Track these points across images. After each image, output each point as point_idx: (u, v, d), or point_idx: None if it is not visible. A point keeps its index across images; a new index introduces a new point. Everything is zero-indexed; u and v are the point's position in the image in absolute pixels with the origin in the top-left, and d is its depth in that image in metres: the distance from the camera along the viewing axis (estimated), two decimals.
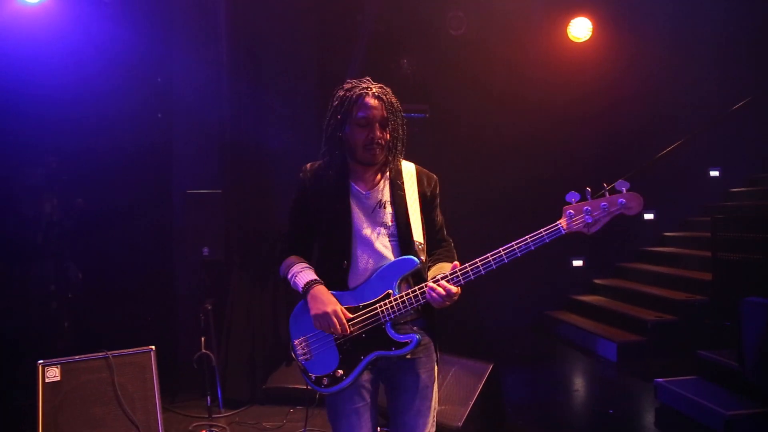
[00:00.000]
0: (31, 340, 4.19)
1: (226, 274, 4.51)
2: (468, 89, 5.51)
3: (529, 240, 1.95)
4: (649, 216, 6.82)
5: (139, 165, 4.67)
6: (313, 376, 2.08)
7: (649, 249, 6.72)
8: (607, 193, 1.95)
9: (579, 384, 5.06)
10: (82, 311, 4.31)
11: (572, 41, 5.61)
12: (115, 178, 4.62)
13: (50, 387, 3.20)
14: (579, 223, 1.95)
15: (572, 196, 1.95)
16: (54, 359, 3.25)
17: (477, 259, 1.99)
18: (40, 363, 3.21)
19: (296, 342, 2.13)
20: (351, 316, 2.04)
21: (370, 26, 4.96)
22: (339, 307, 2.03)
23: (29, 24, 4.30)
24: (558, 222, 1.96)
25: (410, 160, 2.23)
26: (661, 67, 6.47)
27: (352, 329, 2.03)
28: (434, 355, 2.15)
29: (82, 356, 3.33)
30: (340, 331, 2.02)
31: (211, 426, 4.01)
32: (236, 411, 4.27)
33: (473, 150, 5.82)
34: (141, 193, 4.70)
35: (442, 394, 3.62)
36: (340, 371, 2.05)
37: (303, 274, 2.10)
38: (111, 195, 4.62)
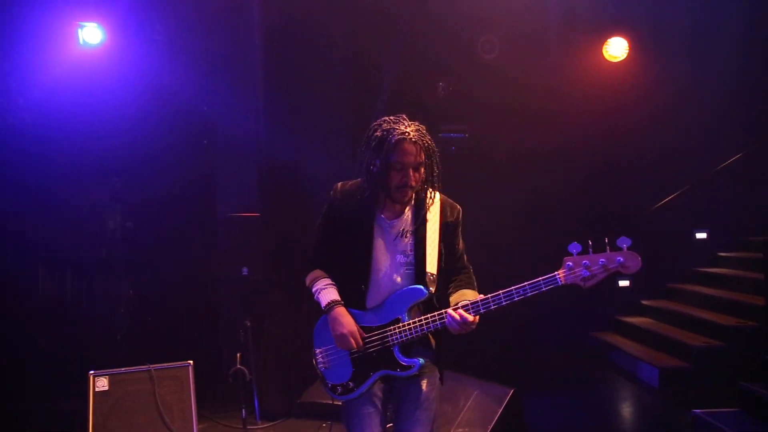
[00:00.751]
0: (86, 349, 4.60)
1: (264, 292, 4.75)
2: (504, 110, 5.54)
3: (527, 286, 2.07)
4: (701, 235, 6.53)
5: (187, 188, 5.06)
6: (329, 383, 2.29)
7: (702, 270, 6.43)
8: (608, 248, 2.02)
9: (615, 410, 4.92)
10: (133, 325, 4.67)
11: (608, 61, 5.54)
12: (166, 200, 5.02)
13: (99, 396, 3.52)
14: (576, 276, 2.05)
15: (574, 248, 2.05)
16: (103, 370, 3.57)
17: (481, 298, 2.12)
18: (91, 373, 3.54)
19: (317, 351, 2.32)
20: (366, 335, 2.22)
21: (401, 49, 5.11)
22: (356, 329, 2.20)
23: (93, 63, 4.77)
24: (556, 273, 2.07)
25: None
26: (709, 80, 6.22)
27: (365, 347, 2.21)
28: (437, 372, 2.29)
29: (128, 368, 3.65)
30: (356, 348, 2.20)
31: None
32: (272, 423, 4.47)
33: (510, 167, 5.83)
34: (189, 215, 5.07)
35: (464, 417, 3.67)
36: (352, 383, 2.24)
37: (326, 291, 2.27)
38: (162, 216, 5.01)
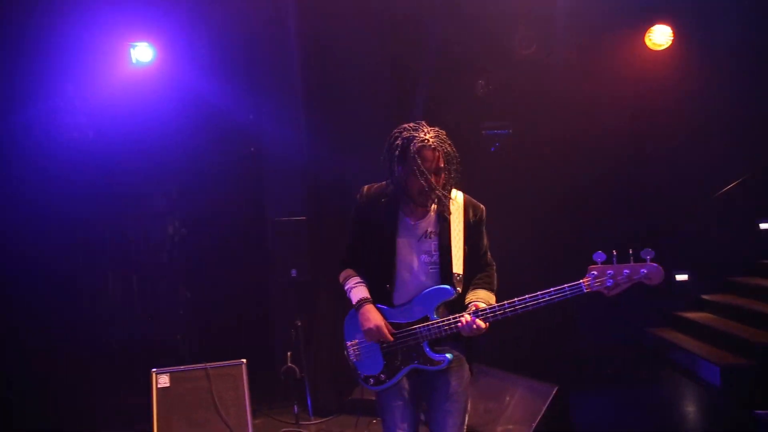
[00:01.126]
0: (150, 348, 4.91)
1: (313, 293, 4.90)
2: (546, 103, 5.47)
3: (553, 292, 2.14)
4: (765, 225, 6.19)
5: (237, 194, 5.30)
6: (361, 374, 2.42)
7: (767, 262, 6.09)
8: (632, 259, 2.08)
9: (672, 410, 4.76)
10: (191, 326, 4.95)
11: (651, 50, 5.36)
12: (219, 207, 5.27)
13: (161, 392, 3.77)
14: (600, 286, 2.11)
15: (599, 257, 2.11)
16: (165, 368, 3.82)
17: (505, 302, 2.21)
18: (154, 371, 3.80)
19: (349, 344, 2.46)
20: (395, 331, 2.33)
21: (438, 51, 5.14)
22: (383, 323, 2.32)
23: (145, 80, 5.03)
24: (581, 281, 2.13)
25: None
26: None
27: (394, 342, 2.32)
28: (467, 365, 2.39)
29: (187, 366, 3.90)
30: (384, 340, 2.32)
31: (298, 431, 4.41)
32: (324, 419, 4.63)
33: (557, 159, 5.73)
34: (240, 220, 5.31)
35: (508, 415, 3.69)
36: (383, 375, 2.36)
37: (357, 289, 2.40)
38: (215, 222, 5.27)
